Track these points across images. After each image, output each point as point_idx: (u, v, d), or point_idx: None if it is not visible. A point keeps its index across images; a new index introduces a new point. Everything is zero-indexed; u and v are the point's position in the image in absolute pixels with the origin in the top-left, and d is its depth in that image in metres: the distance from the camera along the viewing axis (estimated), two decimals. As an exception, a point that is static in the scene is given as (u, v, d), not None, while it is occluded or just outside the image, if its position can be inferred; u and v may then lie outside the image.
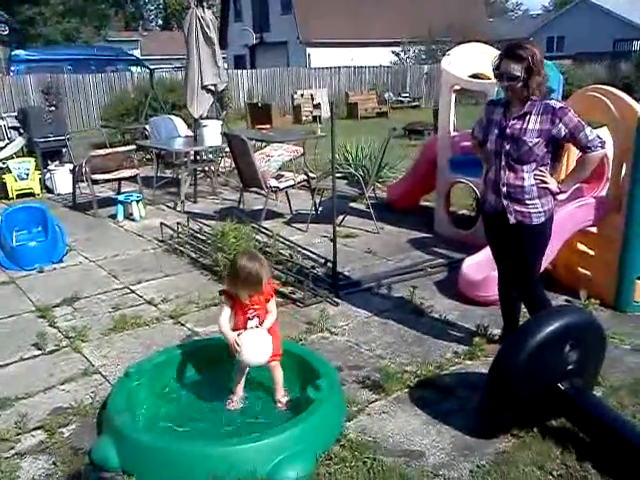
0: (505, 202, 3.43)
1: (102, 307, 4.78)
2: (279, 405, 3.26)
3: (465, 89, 6.61)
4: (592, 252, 4.81)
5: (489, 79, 6.19)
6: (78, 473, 2.80)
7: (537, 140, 3.25)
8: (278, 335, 3.27)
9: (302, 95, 19.93)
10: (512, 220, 3.43)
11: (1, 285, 5.38)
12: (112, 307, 4.76)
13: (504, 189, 3.41)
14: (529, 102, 3.27)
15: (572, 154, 4.89)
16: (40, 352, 4.04)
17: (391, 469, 2.78)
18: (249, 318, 3.16)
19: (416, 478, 2.72)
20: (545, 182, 3.31)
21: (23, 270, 5.68)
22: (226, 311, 3.18)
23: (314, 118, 18.94)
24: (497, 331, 4.08)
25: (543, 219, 3.39)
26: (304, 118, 18.95)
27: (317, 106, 19.50)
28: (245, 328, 3.15)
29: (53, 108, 12.05)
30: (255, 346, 3.09)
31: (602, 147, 3.27)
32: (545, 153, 3.29)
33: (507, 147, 3.34)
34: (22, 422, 3.19)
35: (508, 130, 3.34)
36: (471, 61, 6.27)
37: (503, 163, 3.39)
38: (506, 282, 3.82)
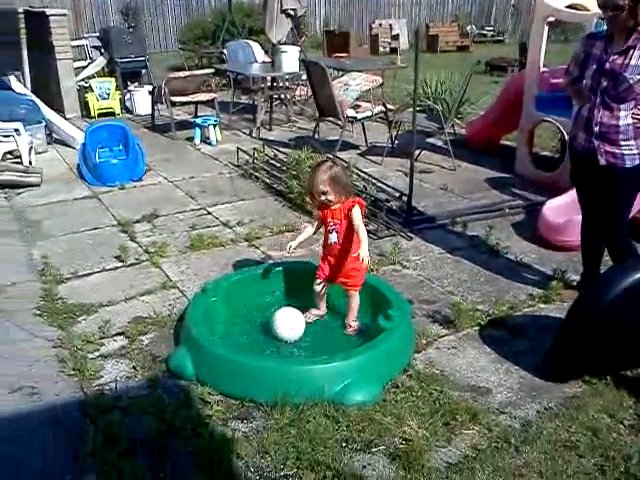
0: (597, 142, 3.24)
1: (180, 226, 4.92)
2: (348, 329, 3.32)
3: (560, 21, 6.20)
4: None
5: (587, 11, 5.79)
6: (156, 379, 2.95)
7: (639, 77, 3.02)
8: (361, 266, 3.18)
9: (380, 25, 19.24)
10: (602, 162, 3.25)
11: (85, 199, 5.61)
12: (189, 226, 4.89)
13: (596, 128, 3.22)
14: (634, 35, 3.03)
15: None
16: (122, 264, 4.22)
17: (457, 402, 2.79)
18: (329, 232, 3.22)
19: (482, 413, 2.72)
20: None
21: (105, 186, 5.89)
22: (308, 228, 3.38)
23: (392, 50, 18.36)
24: (575, 277, 3.96)
25: (637, 162, 3.19)
26: (381, 49, 18.37)
27: (395, 37, 18.82)
28: (327, 243, 3.27)
29: (132, 29, 12.18)
30: (287, 324, 3.18)
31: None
32: None
33: (605, 84, 3.13)
34: (105, 327, 3.37)
35: (608, 65, 3.12)
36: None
37: (599, 100, 3.18)
38: (590, 227, 3.66)
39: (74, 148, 7.11)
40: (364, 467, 2.42)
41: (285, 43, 8.33)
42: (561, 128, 5.82)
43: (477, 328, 3.46)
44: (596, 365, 2.95)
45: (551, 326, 3.41)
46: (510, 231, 4.89)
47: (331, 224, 3.21)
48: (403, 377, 2.98)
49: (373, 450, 2.51)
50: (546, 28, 5.78)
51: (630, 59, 3.06)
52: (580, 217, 4.29)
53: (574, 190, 4.79)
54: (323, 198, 3.14)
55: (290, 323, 3.21)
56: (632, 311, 2.81)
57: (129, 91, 9.29)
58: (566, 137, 5.71)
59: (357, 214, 3.12)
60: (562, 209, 4.67)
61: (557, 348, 2.99)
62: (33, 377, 2.92)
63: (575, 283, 3.91)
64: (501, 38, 21.25)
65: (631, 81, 3.05)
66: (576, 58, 3.40)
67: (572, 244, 4.39)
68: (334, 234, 3.21)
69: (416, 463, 2.41)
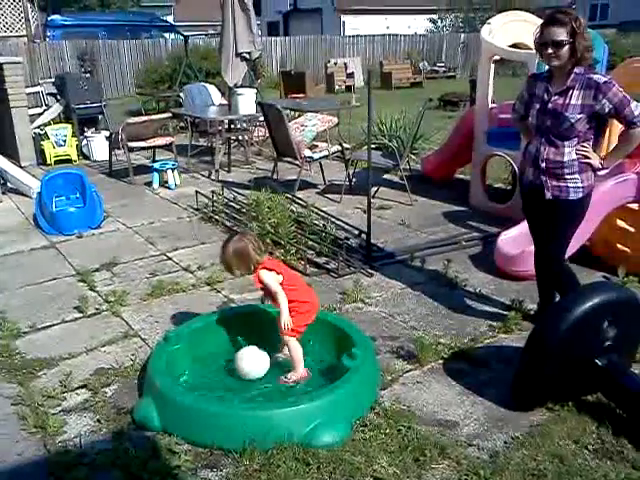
0: (543, 178, 3.38)
1: (140, 273, 4.88)
2: (282, 380, 3.20)
3: (505, 59, 6.46)
4: (632, 229, 4.73)
5: (530, 49, 6.06)
6: (122, 431, 2.89)
7: (579, 116, 3.17)
8: (299, 311, 3.21)
9: (335, 64, 19.74)
10: (548, 195, 3.38)
11: (42, 249, 5.52)
12: (149, 273, 4.86)
13: (543, 165, 3.36)
14: (573, 75, 3.18)
15: (615, 128, 4.78)
16: (81, 315, 4.15)
17: (425, 437, 2.82)
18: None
19: (450, 447, 2.75)
20: (587, 157, 3.25)
21: (63, 235, 5.82)
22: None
23: (347, 87, 18.80)
24: (532, 306, 4.07)
25: (581, 195, 3.32)
26: (337, 87, 18.81)
27: (350, 75, 19.32)
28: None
29: (88, 75, 12.19)
30: (252, 363, 3.21)
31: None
32: (588, 129, 3.22)
33: (548, 122, 3.28)
34: (67, 381, 3.30)
35: (550, 105, 3.27)
36: (512, 30, 6.13)
37: (544, 139, 3.33)
38: (542, 257, 3.77)
39: (30, 197, 7.03)
40: (336, 509, 2.42)
41: (242, 85, 8.45)
42: (511, 161, 6.03)
43: (441, 362, 3.51)
44: (558, 392, 3.02)
45: (512, 356, 3.49)
46: (467, 263, 5.00)
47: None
48: (371, 415, 2.99)
49: (344, 492, 2.51)
50: (492, 66, 6.04)
51: (570, 99, 3.20)
52: (532, 247, 4.45)
53: (526, 221, 5.00)
54: (237, 272, 3.20)
55: (254, 359, 3.21)
56: (586, 337, 2.91)
57: (86, 137, 9.25)
58: (516, 170, 5.93)
59: (266, 278, 3.14)
60: (516, 240, 4.81)
61: (518, 379, 3.06)
62: (-8, 438, 2.84)
63: (532, 312, 4.02)
64: (452, 74, 22.02)
65: (572, 120, 3.19)
66: (521, 98, 3.56)
67: (527, 274, 4.52)
68: (267, 297, 3.33)
69: (387, 502, 2.42)
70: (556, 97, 3.25)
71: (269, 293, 3.24)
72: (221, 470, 2.64)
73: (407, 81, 19.93)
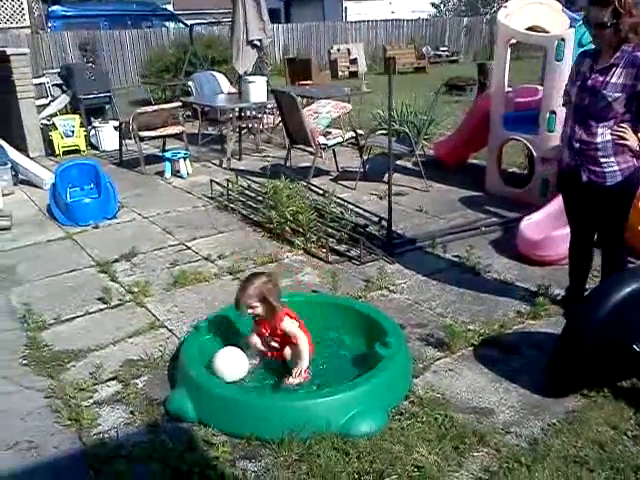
0: (578, 160, 3.32)
1: (160, 263, 4.85)
2: (285, 382, 3.08)
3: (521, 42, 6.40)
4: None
5: (547, 32, 5.99)
6: (156, 423, 2.88)
7: (618, 95, 3.10)
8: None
9: (339, 50, 19.56)
10: (584, 178, 3.33)
11: (59, 240, 5.49)
12: (170, 263, 4.83)
13: (577, 145, 3.30)
14: (619, 52, 3.09)
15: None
16: (105, 306, 4.13)
17: (462, 425, 2.80)
18: (268, 341, 3.23)
19: (488, 434, 2.73)
20: (624, 138, 3.18)
21: (78, 226, 5.78)
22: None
23: (351, 73, 18.66)
24: (559, 291, 4.03)
25: (620, 178, 3.25)
26: (341, 73, 18.65)
27: (354, 61, 19.15)
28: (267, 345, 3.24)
29: (92, 65, 12.09)
30: (229, 365, 3.09)
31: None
32: (626, 110, 3.14)
33: (586, 101, 3.21)
34: (97, 373, 3.28)
35: (589, 82, 3.20)
36: (528, 13, 6.04)
37: (579, 118, 3.26)
38: (579, 242, 3.72)
39: (41, 188, 6.99)
40: (379, 499, 2.40)
41: (252, 73, 8.37)
42: (528, 145, 5.97)
43: (471, 348, 3.49)
44: (593, 378, 2.99)
45: (542, 342, 3.48)
46: (489, 249, 4.97)
47: (267, 337, 3.21)
48: (406, 403, 2.98)
49: (386, 480, 2.49)
50: (509, 50, 5.96)
51: (612, 77, 3.11)
52: (557, 232, 4.42)
53: (549, 206, 4.96)
54: (250, 312, 3.11)
55: (228, 362, 3.10)
56: (625, 323, 2.88)
57: (94, 127, 9.19)
58: (534, 154, 5.89)
59: (289, 325, 3.10)
60: (539, 225, 4.77)
61: (554, 363, 3.03)
62: (28, 431, 2.82)
63: (560, 297, 3.98)
64: (455, 58, 21.84)
65: (610, 99, 3.11)
66: (570, 77, 3.43)
67: (551, 259, 4.50)
68: (274, 342, 3.21)
69: (431, 490, 2.41)
70: (597, 74, 3.18)
71: (282, 339, 3.16)
72: (260, 461, 2.63)
73: (411, 66, 19.76)
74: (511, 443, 2.70)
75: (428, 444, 2.67)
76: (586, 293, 3.72)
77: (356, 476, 2.50)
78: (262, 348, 3.24)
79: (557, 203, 4.57)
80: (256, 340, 3.24)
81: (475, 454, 2.63)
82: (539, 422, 2.84)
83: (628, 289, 2.80)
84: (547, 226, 4.68)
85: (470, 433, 2.74)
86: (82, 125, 9.18)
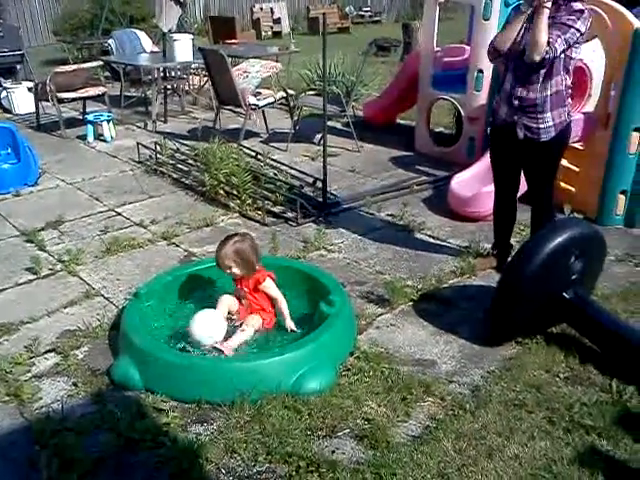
0: (516, 117, 3.41)
1: (90, 230, 4.67)
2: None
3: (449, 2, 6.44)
4: (577, 168, 4.91)
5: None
6: (101, 393, 2.81)
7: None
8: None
9: (261, 9, 19.10)
10: (520, 135, 3.43)
11: (-23, 210, 5.18)
12: (100, 230, 4.66)
13: (516, 102, 3.39)
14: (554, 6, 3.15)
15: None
16: (35, 276, 3.95)
17: (408, 377, 2.89)
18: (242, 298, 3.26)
19: (433, 385, 2.84)
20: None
21: (-3, 194, 5.47)
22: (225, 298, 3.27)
23: (274, 33, 18.31)
24: (488, 245, 4.17)
25: (554, 134, 3.38)
26: (264, 33, 18.26)
27: (277, 21, 18.79)
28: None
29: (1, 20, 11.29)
30: (205, 327, 3.02)
31: (549, 54, 3.13)
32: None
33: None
34: (33, 346, 3.16)
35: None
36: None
37: (519, 74, 3.33)
38: (504, 199, 3.85)
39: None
40: (333, 452, 2.46)
41: (176, 32, 8.06)
42: (457, 105, 6.09)
43: (410, 304, 3.59)
44: (528, 326, 3.15)
45: (477, 295, 3.64)
46: (422, 207, 5.08)
47: (243, 294, 3.25)
48: (352, 359, 3.04)
49: (339, 434, 2.55)
50: (437, 9, 6.00)
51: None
52: (486, 189, 4.55)
53: (478, 164, 5.10)
54: (228, 272, 3.19)
55: (208, 325, 3.04)
56: (555, 273, 3.03)
57: (5, 89, 8.62)
58: (462, 113, 6.01)
59: (270, 286, 3.20)
60: (469, 183, 4.91)
61: (491, 313, 3.17)
62: (-36, 409, 2.70)
63: (486, 252, 4.12)
64: (378, 18, 21.77)
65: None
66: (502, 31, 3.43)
67: (481, 215, 4.66)
68: (245, 301, 3.25)
69: (382, 440, 2.49)
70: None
71: (253, 299, 3.22)
72: (211, 424, 2.62)
73: (334, 26, 19.50)
74: (455, 391, 2.81)
75: (376, 397, 2.75)
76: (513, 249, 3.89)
77: (309, 432, 2.55)
78: (234, 309, 3.24)
79: (485, 161, 4.71)
80: (229, 301, 3.24)
81: (422, 404, 2.73)
82: (479, 370, 2.98)
83: (556, 242, 2.94)
84: (476, 183, 4.82)
85: (415, 384, 2.83)
86: (-8, 86, 8.61)
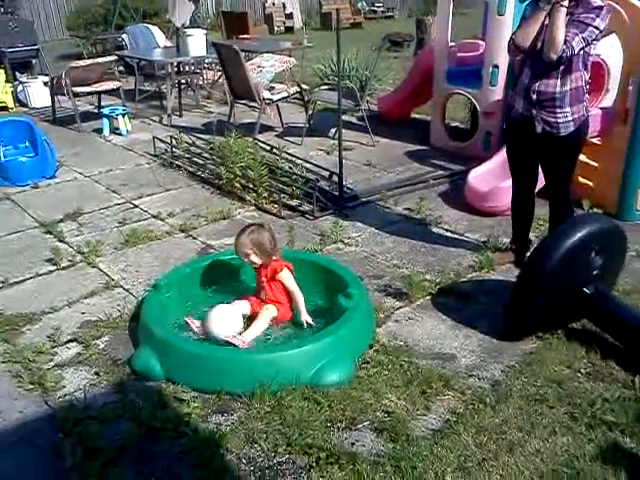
0: (534, 111, 3.39)
1: (108, 222, 4.70)
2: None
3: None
4: (595, 164, 4.87)
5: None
6: (122, 383, 2.84)
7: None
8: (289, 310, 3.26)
9: (274, 4, 19.10)
10: (539, 129, 3.40)
11: (-3, 201, 5.23)
12: (118, 222, 4.69)
13: (534, 96, 3.36)
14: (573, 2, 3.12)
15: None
16: (55, 267, 3.99)
17: (427, 371, 2.89)
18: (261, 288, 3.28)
19: (452, 379, 2.84)
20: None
21: (15, 186, 5.51)
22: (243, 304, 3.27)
23: (287, 28, 18.31)
24: (507, 240, 4.16)
25: (572, 129, 3.35)
26: (276, 28, 18.26)
27: (289, 16, 18.78)
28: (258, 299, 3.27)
29: (11, 14, 11.31)
30: (220, 322, 3.04)
31: (566, 52, 3.11)
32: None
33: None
34: (55, 335, 3.19)
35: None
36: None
37: (537, 68, 3.31)
38: (522, 194, 3.83)
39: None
40: (353, 444, 2.46)
41: (189, 27, 8.07)
42: (472, 99, 6.06)
43: (429, 297, 3.58)
44: (548, 321, 3.14)
45: (496, 289, 3.62)
46: (438, 201, 5.06)
47: (262, 283, 3.27)
48: (371, 352, 3.04)
49: (359, 426, 2.55)
50: (451, 4, 5.97)
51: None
52: (504, 184, 4.53)
53: (494, 158, 5.08)
54: (246, 260, 3.22)
55: (224, 320, 3.06)
56: (576, 268, 3.01)
57: (21, 83, 8.68)
58: (478, 108, 5.99)
59: (287, 277, 3.21)
60: (486, 177, 4.89)
61: (511, 308, 3.16)
62: (-11, 397, 2.73)
63: (504, 247, 4.10)
64: (391, 14, 21.71)
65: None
66: (521, 27, 3.38)
67: (498, 209, 4.64)
68: (263, 292, 3.27)
69: (402, 434, 2.49)
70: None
71: (270, 289, 3.23)
72: (232, 414, 2.64)
73: (347, 21, 19.46)
74: (475, 386, 2.81)
75: (396, 390, 2.76)
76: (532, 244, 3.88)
77: (328, 424, 2.55)
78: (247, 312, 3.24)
79: (502, 155, 4.68)
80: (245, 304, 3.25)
81: (441, 397, 2.73)
82: (499, 365, 2.97)
83: (575, 238, 2.92)
84: (494, 178, 4.80)
85: (435, 378, 2.83)
86: (8, 80, 8.65)
